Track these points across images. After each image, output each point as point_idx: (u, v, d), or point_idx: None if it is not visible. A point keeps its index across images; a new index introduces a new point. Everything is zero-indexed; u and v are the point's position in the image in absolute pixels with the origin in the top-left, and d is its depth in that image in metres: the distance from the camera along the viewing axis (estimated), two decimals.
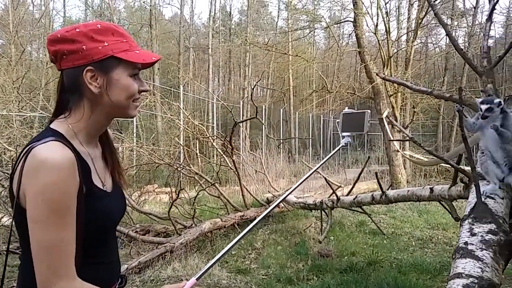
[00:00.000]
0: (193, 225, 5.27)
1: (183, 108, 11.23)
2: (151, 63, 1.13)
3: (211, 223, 5.36)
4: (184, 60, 23.09)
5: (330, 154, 1.70)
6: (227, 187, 9.49)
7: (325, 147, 22.51)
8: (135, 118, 11.21)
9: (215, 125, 16.79)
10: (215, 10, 25.52)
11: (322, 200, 5.03)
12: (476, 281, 1.47)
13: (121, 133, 10.61)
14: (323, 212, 5.34)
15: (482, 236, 1.67)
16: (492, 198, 1.82)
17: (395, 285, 3.63)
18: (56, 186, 0.92)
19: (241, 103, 19.11)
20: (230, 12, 28.64)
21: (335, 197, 4.62)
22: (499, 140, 1.64)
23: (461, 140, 2.68)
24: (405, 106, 11.38)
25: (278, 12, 26.08)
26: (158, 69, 18.90)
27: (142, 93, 1.14)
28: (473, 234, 1.72)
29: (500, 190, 1.87)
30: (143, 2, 21.81)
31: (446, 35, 2.38)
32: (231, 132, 5.86)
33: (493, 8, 2.34)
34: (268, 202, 6.65)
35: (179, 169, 6.46)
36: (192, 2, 45.20)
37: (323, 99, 17.93)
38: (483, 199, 1.80)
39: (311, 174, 1.58)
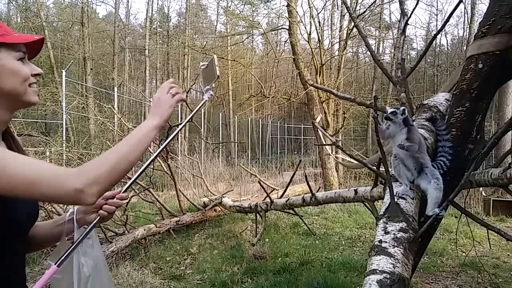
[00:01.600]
0: (126, 232, 5.09)
1: (117, 110, 10.81)
2: (36, 44, 1.09)
3: (144, 230, 5.21)
4: (120, 61, 22.24)
5: (195, 110, 1.66)
6: (164, 192, 9.29)
7: (264, 150, 22.87)
8: (64, 120, 10.58)
9: None
10: (152, 11, 24.95)
11: (257, 203, 5.11)
12: (388, 276, 1.58)
13: (47, 136, 9.92)
14: (258, 215, 5.43)
15: (394, 234, 1.81)
16: (404, 199, 1.97)
17: (325, 284, 3.80)
18: None
19: (180, 106, 18.81)
20: (168, 14, 28.16)
21: (269, 200, 4.71)
22: (408, 152, 1.79)
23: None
24: (337, 112, 11.93)
25: (217, 16, 26.11)
26: (91, 69, 17.99)
27: (36, 77, 1.09)
28: (386, 232, 1.86)
29: (411, 191, 2.03)
30: None
31: (365, 46, 2.55)
32: (166, 136, 5.75)
33: (406, 23, 2.56)
34: (205, 206, 6.61)
35: None
36: (128, 2, 43.71)
37: (261, 103, 18.23)
38: (396, 199, 1.95)
39: (172, 138, 1.55)
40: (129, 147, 1.08)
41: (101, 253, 1.30)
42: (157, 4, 27.04)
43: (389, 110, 1.73)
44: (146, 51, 21.39)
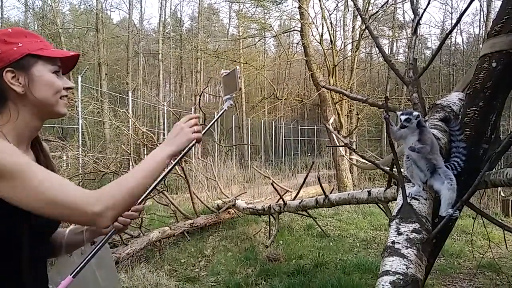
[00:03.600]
0: (141, 234, 5.15)
1: (131, 114, 10.96)
2: (71, 60, 1.18)
3: (159, 232, 5.27)
4: (134, 65, 22.56)
5: (214, 119, 1.61)
6: (178, 194, 9.36)
7: (277, 152, 22.86)
8: (80, 125, 10.77)
9: (166, 131, 16.51)
10: (165, 16, 25.25)
11: (270, 205, 5.11)
12: (401, 277, 1.57)
13: (63, 140, 10.12)
14: (272, 217, 5.43)
15: (407, 235, 1.80)
16: (417, 199, 1.96)
17: (339, 285, 3.78)
18: None
19: (193, 110, 18.97)
20: (181, 18, 28.45)
21: (282, 202, 4.72)
22: (419, 154, 1.78)
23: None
24: (350, 113, 11.86)
25: (229, 19, 26.26)
26: (106, 74, 18.30)
27: (68, 90, 1.16)
28: (399, 233, 1.85)
29: (424, 191, 2.01)
30: (89, 5, 21.06)
31: (377, 46, 2.54)
32: None
33: (417, 23, 2.54)
34: (219, 208, 6.65)
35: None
36: (142, 7, 44.42)
37: (273, 105, 18.24)
38: (408, 200, 1.94)
39: (190, 148, 1.53)
40: (145, 174, 1.12)
41: (111, 261, 1.33)
42: (170, 8, 27.31)
43: (403, 117, 1.70)
44: (160, 56, 21.64)
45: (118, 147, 9.62)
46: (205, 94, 25.34)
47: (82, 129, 11.17)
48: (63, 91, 1.15)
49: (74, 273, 1.09)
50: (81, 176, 7.78)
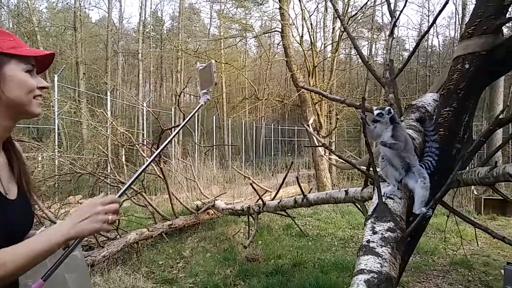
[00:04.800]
0: (118, 236, 5.06)
1: (110, 115, 10.77)
2: (46, 59, 1.16)
3: (137, 234, 5.18)
4: (113, 65, 22.19)
5: (190, 115, 1.56)
6: (157, 195, 9.25)
7: (258, 153, 22.87)
8: (57, 125, 10.51)
9: (145, 132, 16.29)
10: (145, 15, 24.92)
11: (249, 205, 5.10)
12: (376, 275, 1.58)
13: (39, 141, 9.85)
14: (251, 217, 5.42)
15: (382, 233, 1.82)
16: (392, 199, 1.98)
17: (317, 285, 3.80)
18: None
19: (173, 110, 18.79)
20: (162, 18, 28.14)
21: (261, 202, 4.72)
22: (394, 151, 1.80)
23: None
24: (330, 114, 11.98)
25: (210, 19, 26.12)
26: (84, 73, 17.92)
27: (42, 90, 1.13)
28: (374, 232, 1.86)
29: (398, 191, 2.04)
30: (67, 3, 20.58)
31: (354, 47, 2.57)
32: (158, 140, 5.73)
33: (394, 25, 2.58)
34: (198, 209, 6.60)
35: (101, 178, 6.15)
36: (121, 6, 43.74)
37: (254, 106, 18.25)
38: (383, 199, 1.96)
39: (167, 144, 1.48)
40: (30, 254, 0.99)
41: (84, 264, 1.28)
42: (150, 8, 26.99)
43: (375, 111, 1.74)
44: (139, 55, 21.34)
45: (95, 148, 9.44)
46: (185, 94, 25.17)
47: (58, 129, 10.90)
48: (37, 90, 1.12)
49: (45, 276, 1.06)
50: (57, 178, 7.59)
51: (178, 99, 6.92)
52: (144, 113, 16.72)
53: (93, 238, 4.95)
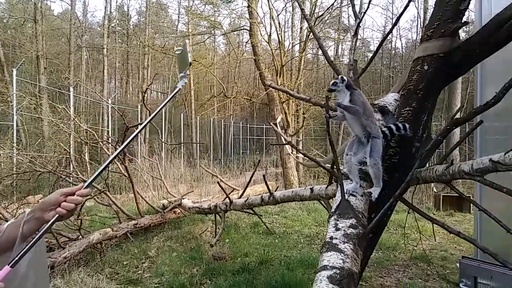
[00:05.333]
0: (80, 237, 4.90)
1: (73, 111, 10.40)
2: None
3: (100, 234, 5.04)
4: (76, 60, 21.41)
5: (167, 99, 1.54)
6: (122, 194, 9.03)
7: (226, 151, 22.81)
8: (15, 121, 10.03)
9: (110, 129, 15.85)
10: (110, 9, 24.25)
11: (216, 204, 5.08)
12: (338, 271, 1.62)
13: None
14: (218, 216, 5.40)
15: (344, 230, 1.86)
16: (354, 196, 2.03)
17: (283, 282, 3.84)
18: None
19: (139, 107, 18.38)
20: (128, 13, 27.45)
21: (228, 201, 4.71)
22: (351, 115, 1.84)
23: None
24: (297, 113, 12.11)
25: (178, 16, 25.74)
26: (45, 68, 17.17)
27: None
28: (337, 229, 1.90)
29: (360, 188, 2.09)
30: None
31: (319, 47, 2.60)
32: (123, 137, 5.60)
33: (358, 26, 2.64)
34: (164, 208, 6.49)
35: (62, 176, 5.93)
36: None
37: (223, 104, 18.17)
38: (346, 197, 2.00)
39: (133, 138, 1.45)
40: None
41: (45, 263, 1.22)
42: (116, 2, 26.29)
43: (331, 82, 1.78)
44: (105, 50, 20.73)
45: (56, 145, 9.09)
46: (152, 91, 24.69)
47: (17, 126, 10.40)
48: None
49: (12, 262, 1.03)
50: (15, 176, 7.26)
51: (144, 96, 6.78)
52: (109, 110, 16.26)
53: (53, 239, 4.77)
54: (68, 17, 22.09)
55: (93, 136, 7.82)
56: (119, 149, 1.42)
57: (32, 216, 1.18)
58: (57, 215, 1.13)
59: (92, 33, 26.53)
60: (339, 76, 1.79)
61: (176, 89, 1.56)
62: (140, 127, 1.47)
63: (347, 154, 2.07)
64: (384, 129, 2.05)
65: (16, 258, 1.04)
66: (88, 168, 7.64)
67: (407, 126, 2.00)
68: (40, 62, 16.47)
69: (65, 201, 1.15)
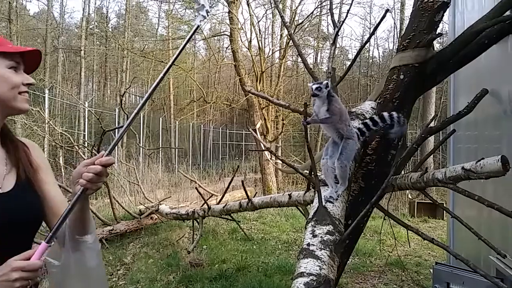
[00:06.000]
0: (53, 243, 4.75)
1: (47, 114, 10.13)
2: (32, 56, 1.19)
3: None
4: (52, 61, 20.94)
5: (179, 50, 1.40)
6: (97, 199, 8.82)
7: (205, 156, 22.67)
8: None
9: (86, 133, 15.51)
10: (89, 11, 23.86)
11: (194, 209, 5.03)
12: (315, 278, 1.61)
13: None
14: (196, 222, 5.34)
15: (321, 237, 1.86)
16: (331, 202, 2.04)
17: None
18: None
19: (117, 111, 18.07)
20: (107, 15, 27.07)
21: (206, 207, 4.66)
22: (328, 124, 1.86)
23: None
24: (277, 119, 12.17)
25: (158, 19, 25.57)
26: None
27: (28, 86, 1.18)
28: (314, 236, 1.91)
29: (336, 193, 2.11)
30: None
31: (298, 54, 2.63)
32: (99, 141, 5.49)
33: (336, 34, 2.68)
34: (141, 213, 6.38)
35: None
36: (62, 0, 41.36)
37: (202, 109, 18.08)
38: (323, 203, 2.01)
39: (119, 139, 1.35)
40: None
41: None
42: (95, 4, 25.88)
43: (314, 86, 1.75)
44: (82, 52, 20.37)
45: None
46: (130, 94, 24.34)
47: None
48: (22, 86, 1.15)
49: (48, 239, 1.06)
50: None
51: (122, 100, 6.68)
52: (86, 113, 15.92)
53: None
54: (45, 18, 21.64)
55: (69, 139, 7.63)
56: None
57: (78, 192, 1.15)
58: (81, 187, 1.08)
59: (70, 35, 26.03)
60: (324, 82, 1.79)
61: (194, 27, 1.38)
62: (139, 105, 1.30)
63: (323, 158, 2.09)
64: (360, 125, 2.08)
65: (50, 234, 1.06)
66: (63, 172, 7.45)
67: (386, 115, 2.01)
68: None
69: (86, 171, 1.09)
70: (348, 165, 1.89)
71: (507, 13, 2.04)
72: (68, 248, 1.15)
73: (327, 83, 1.80)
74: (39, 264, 1.03)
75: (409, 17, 2.31)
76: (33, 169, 1.22)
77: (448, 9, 2.26)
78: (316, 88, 1.78)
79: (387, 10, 2.44)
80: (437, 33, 2.18)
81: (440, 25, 2.29)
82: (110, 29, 25.73)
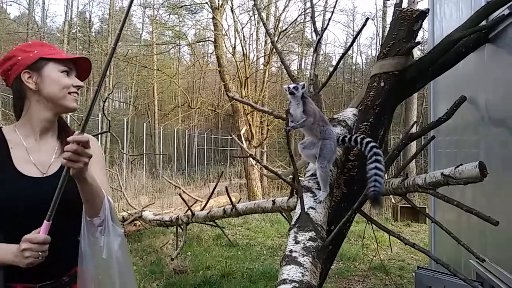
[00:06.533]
0: None
1: None
2: (82, 63, 1.44)
3: None
4: None
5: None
6: None
7: (190, 162, 22.53)
8: None
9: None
10: (71, 15, 23.57)
11: (178, 216, 4.98)
12: (297, 285, 1.61)
13: None
14: (180, 228, 5.29)
15: (304, 243, 1.86)
16: (314, 209, 2.05)
17: None
18: None
19: (100, 116, 17.82)
20: (90, 19, 26.79)
21: (190, 213, 4.62)
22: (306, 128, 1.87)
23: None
24: (261, 124, 12.20)
25: (143, 24, 25.42)
26: None
27: (78, 88, 1.40)
28: (297, 242, 1.91)
29: (319, 200, 2.12)
30: None
31: (280, 61, 2.64)
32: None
33: (318, 42, 2.71)
34: (124, 220, 6.28)
35: None
36: (44, 3, 40.79)
37: (187, 114, 17.98)
38: (306, 209, 2.02)
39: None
40: None
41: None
42: (77, 8, 25.57)
43: (291, 85, 1.78)
44: None
45: None
46: (113, 100, 24.06)
47: None
48: (72, 88, 1.37)
49: (48, 217, 1.19)
50: None
51: (104, 105, 6.59)
52: (68, 119, 15.65)
53: None
54: (25, 22, 21.28)
55: None
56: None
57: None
58: (66, 168, 1.18)
59: (52, 39, 25.61)
60: (301, 83, 1.81)
61: None
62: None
63: (301, 144, 2.06)
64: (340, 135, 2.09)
65: (49, 213, 1.18)
66: None
67: (359, 139, 2.00)
68: None
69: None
70: (328, 166, 1.89)
71: (483, 23, 2.10)
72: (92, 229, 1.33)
73: (304, 84, 1.82)
74: (43, 237, 1.17)
75: (389, 25, 2.35)
76: None
77: (427, 18, 2.30)
78: (294, 87, 1.81)
79: (367, 19, 2.48)
80: (416, 41, 2.22)
81: (420, 33, 2.34)
82: (93, 34, 25.46)
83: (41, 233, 1.17)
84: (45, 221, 1.19)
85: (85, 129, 1.22)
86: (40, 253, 1.17)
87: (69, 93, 1.36)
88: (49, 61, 1.34)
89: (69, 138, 1.16)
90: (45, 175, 1.33)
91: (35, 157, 1.34)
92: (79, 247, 1.32)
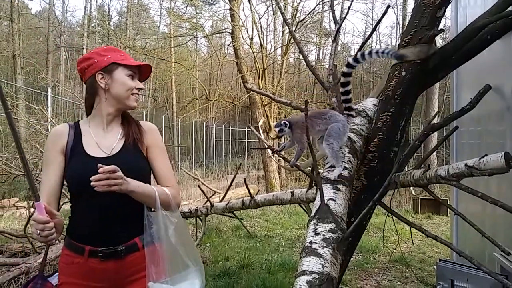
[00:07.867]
0: (57, 241, 4.76)
1: (50, 112, 10.15)
2: (144, 68, 1.68)
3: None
4: (55, 60, 21.01)
5: None
6: None
7: (208, 153, 22.69)
8: None
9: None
10: (90, 9, 23.89)
11: (197, 207, 5.03)
12: (317, 276, 1.60)
13: None
14: (199, 220, 5.34)
15: (324, 235, 1.85)
16: (334, 200, 2.04)
17: (263, 285, 3.83)
18: (45, 145, 1.59)
19: None
20: (109, 13, 27.10)
21: (209, 204, 4.67)
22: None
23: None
24: (279, 116, 12.14)
25: (160, 17, 25.55)
26: (22, 68, 16.77)
27: (139, 90, 1.64)
28: (317, 234, 1.90)
29: (340, 192, 2.10)
30: None
31: (299, 52, 2.61)
32: None
33: (337, 31, 2.66)
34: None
35: (38, 179, 5.77)
36: None
37: (205, 106, 18.07)
38: (326, 201, 2.01)
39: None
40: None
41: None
42: (96, 2, 25.90)
43: (276, 129, 1.89)
44: (84, 50, 20.39)
45: (32, 147, 8.85)
46: None
47: None
48: (135, 89, 1.62)
49: (36, 197, 1.34)
50: None
51: None
52: None
53: (28, 244, 4.64)
54: (46, 16, 21.68)
55: None
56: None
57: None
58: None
59: (72, 33, 26.08)
60: (282, 121, 1.87)
61: None
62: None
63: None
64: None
65: (35, 194, 1.34)
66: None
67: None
68: (16, 61, 16.10)
69: None
70: (335, 143, 1.88)
71: (510, 8, 2.02)
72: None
73: (285, 122, 1.87)
74: (40, 217, 1.31)
75: (411, 13, 2.29)
76: (141, 137, 1.64)
77: (450, 5, 2.23)
78: (279, 131, 1.89)
79: (388, 6, 2.42)
80: (439, 29, 2.16)
81: (443, 20, 2.26)
82: (112, 27, 25.77)
83: (38, 215, 1.32)
84: (35, 203, 1.33)
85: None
86: (47, 231, 1.32)
87: (132, 94, 1.61)
88: (119, 65, 1.58)
89: (100, 170, 1.35)
90: (109, 155, 1.55)
91: (102, 142, 1.59)
92: (143, 225, 1.54)
